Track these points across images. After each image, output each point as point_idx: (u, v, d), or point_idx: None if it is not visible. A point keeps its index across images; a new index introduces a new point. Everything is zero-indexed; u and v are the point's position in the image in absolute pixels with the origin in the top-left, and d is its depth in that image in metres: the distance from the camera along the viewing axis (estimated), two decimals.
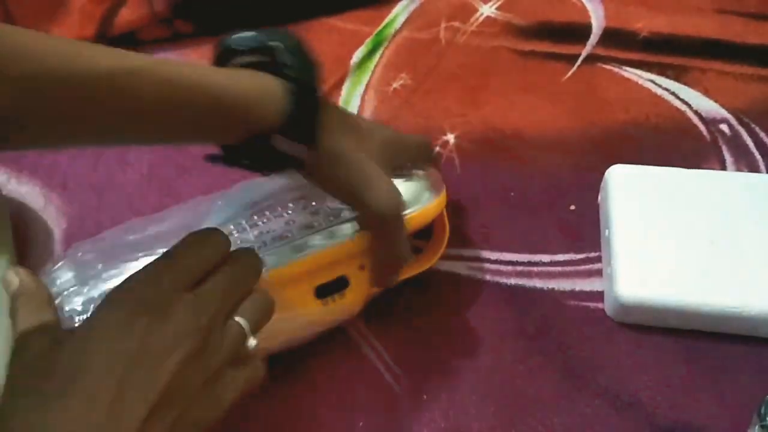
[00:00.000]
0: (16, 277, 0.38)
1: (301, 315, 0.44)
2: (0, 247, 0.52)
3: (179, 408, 0.33)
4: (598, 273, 0.53)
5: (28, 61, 0.32)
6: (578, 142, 0.60)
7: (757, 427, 0.39)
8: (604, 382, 0.48)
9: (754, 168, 0.58)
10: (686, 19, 0.69)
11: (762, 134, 0.61)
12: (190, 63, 0.39)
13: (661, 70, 0.65)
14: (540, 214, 0.55)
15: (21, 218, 0.57)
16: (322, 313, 0.45)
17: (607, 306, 0.51)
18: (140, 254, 0.42)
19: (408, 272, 0.49)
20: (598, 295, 0.52)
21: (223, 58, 0.42)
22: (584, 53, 0.67)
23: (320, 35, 0.70)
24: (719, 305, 0.47)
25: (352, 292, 0.46)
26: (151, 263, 0.36)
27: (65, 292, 0.41)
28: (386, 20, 0.71)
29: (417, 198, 0.47)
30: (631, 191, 0.53)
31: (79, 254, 0.43)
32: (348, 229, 0.45)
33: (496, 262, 0.54)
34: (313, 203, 0.46)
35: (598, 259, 0.53)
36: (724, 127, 0.61)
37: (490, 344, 0.50)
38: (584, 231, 0.55)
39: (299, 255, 0.43)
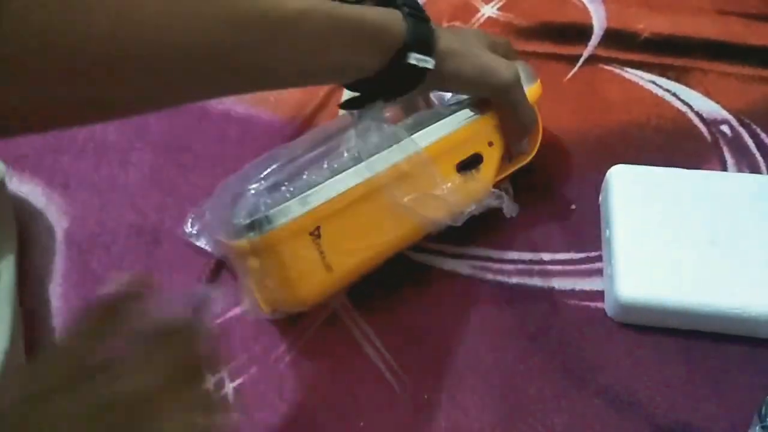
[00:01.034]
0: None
1: (449, 188, 0.50)
2: (4, 244, 0.52)
3: None
4: (599, 272, 0.53)
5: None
6: (579, 143, 0.60)
7: (757, 427, 0.40)
8: (604, 382, 0.48)
9: (755, 169, 0.58)
10: (687, 20, 0.69)
11: (763, 135, 0.60)
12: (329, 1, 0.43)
13: (663, 71, 0.65)
14: (541, 213, 0.56)
15: (23, 217, 0.57)
16: (464, 185, 0.51)
17: (608, 306, 0.51)
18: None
19: (516, 164, 0.55)
20: (599, 295, 0.52)
21: None
22: (585, 54, 0.67)
23: None
24: (719, 306, 0.47)
25: (486, 166, 0.52)
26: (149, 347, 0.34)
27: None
28: None
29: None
30: (631, 192, 0.53)
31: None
32: (468, 113, 0.52)
33: (497, 260, 0.54)
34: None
35: (599, 259, 0.53)
36: (725, 128, 0.61)
37: (490, 344, 0.50)
38: (585, 230, 0.55)
39: (443, 133, 0.51)
